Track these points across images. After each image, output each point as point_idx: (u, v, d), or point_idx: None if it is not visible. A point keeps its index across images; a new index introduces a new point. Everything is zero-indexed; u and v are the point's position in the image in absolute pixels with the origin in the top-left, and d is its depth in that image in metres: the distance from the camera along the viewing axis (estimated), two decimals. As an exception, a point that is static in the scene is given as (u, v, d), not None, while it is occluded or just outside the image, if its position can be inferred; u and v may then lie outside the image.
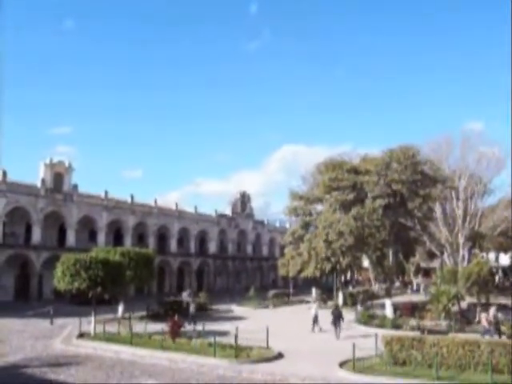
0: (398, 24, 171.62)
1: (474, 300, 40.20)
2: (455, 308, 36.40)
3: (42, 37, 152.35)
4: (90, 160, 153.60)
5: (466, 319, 33.98)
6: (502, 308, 40.55)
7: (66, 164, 57.02)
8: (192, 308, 35.23)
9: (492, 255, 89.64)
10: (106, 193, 61.54)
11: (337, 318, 30.22)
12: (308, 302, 52.74)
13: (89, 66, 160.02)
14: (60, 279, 28.15)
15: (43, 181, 53.90)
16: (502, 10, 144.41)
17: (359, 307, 39.26)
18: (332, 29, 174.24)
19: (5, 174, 50.26)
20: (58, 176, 55.78)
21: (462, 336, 22.64)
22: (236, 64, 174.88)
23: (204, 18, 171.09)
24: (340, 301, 50.91)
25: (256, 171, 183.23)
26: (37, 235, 52.75)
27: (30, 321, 35.70)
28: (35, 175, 54.58)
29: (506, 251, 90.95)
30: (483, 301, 40.11)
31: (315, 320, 32.50)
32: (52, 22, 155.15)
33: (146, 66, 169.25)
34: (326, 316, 37.89)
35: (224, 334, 26.35)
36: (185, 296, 45.57)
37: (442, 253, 57.17)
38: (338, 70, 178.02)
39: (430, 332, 26.65)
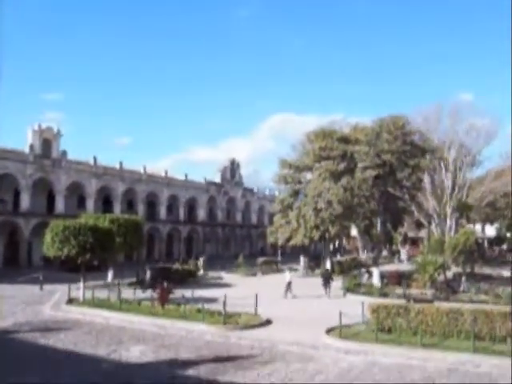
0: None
1: (459, 270, 40.75)
2: (441, 277, 36.93)
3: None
4: (80, 127, 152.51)
5: (451, 288, 34.49)
6: (486, 278, 41.34)
7: (55, 130, 56.55)
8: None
9: (478, 226, 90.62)
10: (95, 159, 61.22)
11: (327, 279, 34.21)
12: (296, 269, 53.23)
13: (80, 35, 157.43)
14: (49, 246, 28.19)
15: (31, 147, 53.49)
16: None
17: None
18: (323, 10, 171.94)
19: (-8, 139, 49.84)
20: (47, 142, 55.36)
21: (446, 304, 23.04)
22: (226, 31, 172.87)
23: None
24: (328, 268, 51.47)
25: (246, 139, 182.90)
26: (25, 202, 52.56)
27: (20, 287, 35.84)
28: (24, 142, 54.13)
29: (491, 222, 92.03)
30: (468, 271, 40.69)
31: (288, 286, 33.13)
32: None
33: (136, 35, 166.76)
34: (314, 283, 38.48)
35: (213, 300, 26.61)
36: (201, 262, 49.51)
37: (430, 223, 57.57)
38: (328, 39, 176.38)
39: (416, 300, 27.03)
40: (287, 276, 34.23)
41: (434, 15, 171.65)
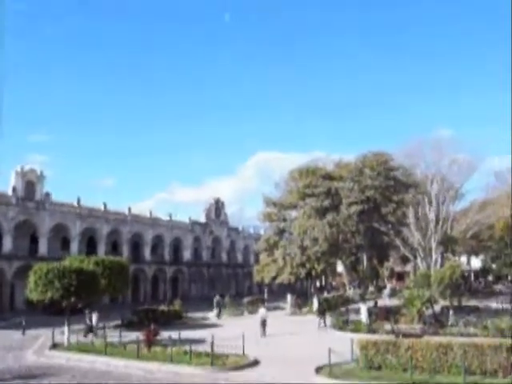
0: (371, 15, 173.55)
1: (447, 303, 40.70)
2: (429, 311, 36.82)
3: (21, 42, 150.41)
4: (63, 169, 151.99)
5: (439, 322, 34.38)
6: (474, 310, 41.27)
7: (38, 172, 56.28)
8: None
9: (464, 258, 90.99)
10: (79, 201, 60.85)
11: (321, 312, 38.04)
12: (283, 308, 52.81)
13: (63, 75, 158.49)
14: (32, 289, 27.76)
15: (14, 189, 53.10)
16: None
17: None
18: (303, 35, 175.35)
19: (-25, 182, 49.48)
20: (30, 184, 55.01)
21: (435, 339, 22.90)
22: (209, 69, 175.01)
23: (179, 18, 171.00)
24: (315, 306, 51.09)
25: (230, 178, 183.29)
26: (8, 244, 51.87)
27: (2, 332, 35.07)
28: (6, 183, 53.77)
29: (477, 254, 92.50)
30: (456, 304, 40.65)
31: (263, 324, 32.77)
32: (33, 28, 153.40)
33: (119, 72, 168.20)
34: (301, 321, 38.27)
35: (200, 341, 26.25)
36: (216, 301, 48.33)
37: (415, 257, 57.69)
38: (311, 78, 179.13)
39: (405, 336, 26.87)
40: (262, 313, 33.91)
41: (411, 50, 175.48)
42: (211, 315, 46.25)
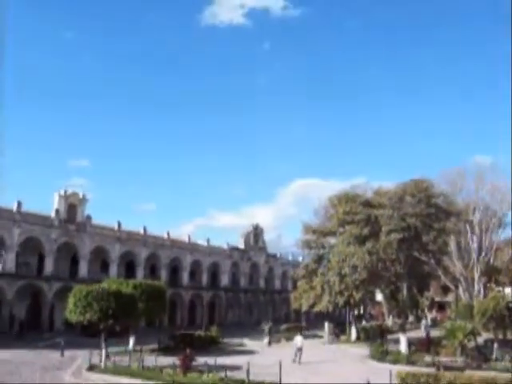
0: (403, 54, 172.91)
1: (490, 336, 39.38)
2: (471, 344, 35.67)
3: (63, 67, 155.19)
4: (105, 193, 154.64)
5: (483, 356, 33.23)
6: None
7: (80, 195, 57.47)
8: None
9: (508, 290, 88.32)
10: (119, 224, 61.72)
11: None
12: (321, 336, 52.04)
13: (109, 99, 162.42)
14: (72, 311, 28.00)
15: (57, 211, 54.25)
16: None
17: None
18: (342, 59, 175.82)
19: (19, 204, 50.75)
20: (72, 207, 56.17)
21: (479, 373, 22.11)
22: (249, 98, 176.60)
23: (217, 50, 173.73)
24: (353, 335, 50.21)
25: (268, 204, 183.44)
26: (49, 266, 52.85)
27: (41, 352, 35.46)
28: (50, 206, 55.01)
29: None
30: (500, 337, 39.29)
31: (299, 351, 32.65)
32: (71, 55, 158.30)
33: (159, 97, 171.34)
34: (340, 350, 37.58)
35: (235, 368, 25.93)
36: (268, 328, 47.78)
37: (457, 287, 56.36)
38: (350, 102, 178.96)
39: (446, 368, 26.07)
40: (298, 341, 33.71)
41: (448, 76, 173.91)
42: (264, 343, 45.66)
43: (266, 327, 48.57)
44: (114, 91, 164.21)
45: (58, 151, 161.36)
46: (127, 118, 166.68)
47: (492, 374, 22.63)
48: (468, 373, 22.83)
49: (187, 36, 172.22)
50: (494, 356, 33.43)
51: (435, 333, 48.46)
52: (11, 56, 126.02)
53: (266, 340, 46.06)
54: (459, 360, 31.92)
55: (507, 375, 21.84)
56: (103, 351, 27.95)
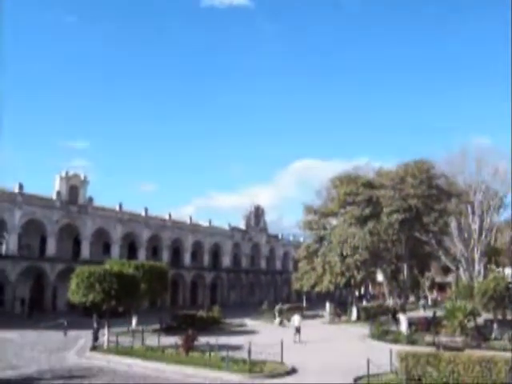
0: (404, 31, 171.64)
1: (490, 316, 39.64)
2: (471, 324, 35.91)
3: (64, 48, 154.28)
4: (106, 174, 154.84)
5: (482, 335, 33.48)
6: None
7: (82, 177, 57.53)
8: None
9: (508, 270, 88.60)
10: (121, 206, 61.85)
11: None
12: (322, 316, 52.45)
13: (109, 81, 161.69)
14: (74, 292, 28.19)
15: (59, 193, 54.35)
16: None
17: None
18: (346, 43, 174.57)
19: (21, 186, 50.83)
20: (74, 189, 56.26)
21: (478, 352, 22.28)
22: (250, 79, 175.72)
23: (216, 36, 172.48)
24: (354, 315, 50.54)
25: (269, 185, 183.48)
26: (51, 247, 53.09)
27: (44, 333, 35.79)
28: (51, 188, 55.07)
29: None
30: (500, 317, 39.53)
31: (298, 331, 33.23)
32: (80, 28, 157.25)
33: (160, 80, 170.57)
34: (341, 329, 37.87)
35: (237, 348, 26.18)
36: (278, 309, 48.20)
37: (458, 268, 56.52)
38: (351, 84, 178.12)
39: (446, 348, 26.26)
40: (296, 320, 34.25)
41: (451, 59, 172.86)
42: (275, 323, 45.76)
43: (277, 307, 48.95)
44: (114, 73, 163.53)
45: (58, 133, 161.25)
46: (127, 99, 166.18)
47: (491, 353, 22.79)
48: (467, 352, 22.97)
49: (187, 17, 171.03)
50: (493, 336, 33.71)
51: (435, 313, 48.84)
52: (11, 39, 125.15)
53: (277, 320, 46.12)
54: (459, 340, 32.15)
55: (506, 354, 22.01)
56: (106, 331, 28.20)
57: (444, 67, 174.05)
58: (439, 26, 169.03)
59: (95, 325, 31.16)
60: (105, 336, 28.28)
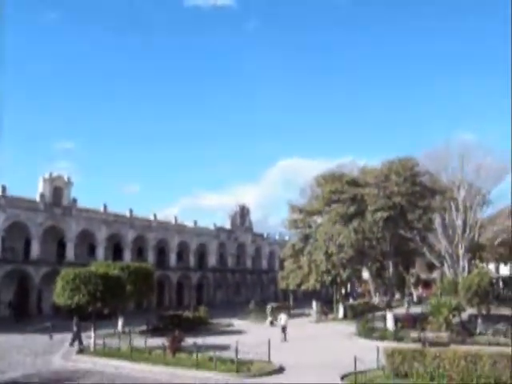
0: (392, 32, 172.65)
1: (474, 311, 40.03)
2: (456, 319, 36.26)
3: (45, 44, 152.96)
4: (90, 175, 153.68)
5: (467, 331, 33.83)
6: (503, 319, 40.48)
7: (65, 178, 57.07)
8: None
9: (492, 266, 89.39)
10: (105, 207, 61.51)
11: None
12: (309, 314, 52.60)
13: (90, 82, 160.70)
14: (59, 294, 28.04)
15: (42, 195, 53.88)
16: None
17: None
18: (328, 41, 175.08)
19: (4, 188, 50.28)
20: (57, 190, 55.78)
21: (463, 348, 22.52)
22: (233, 77, 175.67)
23: (204, 32, 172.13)
24: (340, 313, 50.75)
25: (254, 184, 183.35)
26: (36, 250, 52.61)
27: (30, 336, 35.53)
28: (35, 190, 54.58)
29: (505, 262, 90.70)
30: (484, 312, 39.94)
31: (284, 330, 33.45)
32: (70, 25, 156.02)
33: (147, 78, 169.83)
34: (327, 327, 37.97)
35: (224, 347, 26.22)
36: (270, 309, 48.19)
37: (442, 264, 56.89)
38: (336, 83, 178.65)
39: (432, 344, 26.49)
40: (282, 319, 34.57)
41: (435, 56, 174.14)
42: (266, 324, 45.16)
43: (268, 307, 49.04)
44: (98, 73, 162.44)
45: (42, 134, 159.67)
46: (110, 99, 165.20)
47: (476, 347, 23.05)
48: (453, 347, 23.22)
49: (170, 17, 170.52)
50: (478, 331, 34.06)
51: (418, 310, 49.25)
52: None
53: (268, 320, 45.81)
54: (444, 335, 32.47)
55: (490, 349, 22.28)
56: (92, 334, 28.06)
57: (427, 63, 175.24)
58: (426, 23, 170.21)
59: (74, 328, 31.10)
60: (91, 338, 28.14)
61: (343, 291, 68.77)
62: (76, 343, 29.88)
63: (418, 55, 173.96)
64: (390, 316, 37.29)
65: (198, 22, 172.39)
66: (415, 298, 78.11)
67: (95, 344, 27.67)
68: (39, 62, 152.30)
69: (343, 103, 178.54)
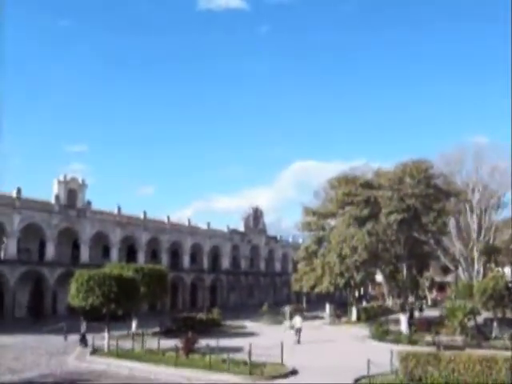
0: (407, 37, 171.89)
1: (490, 315, 39.69)
2: (471, 323, 35.97)
3: (59, 56, 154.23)
4: (104, 177, 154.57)
5: (482, 334, 33.55)
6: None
7: (80, 181, 57.48)
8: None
9: (508, 269, 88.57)
10: (119, 209, 61.81)
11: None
12: (322, 317, 52.44)
13: (106, 84, 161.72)
14: (74, 296, 28.20)
15: (57, 197, 54.29)
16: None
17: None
18: (340, 43, 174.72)
19: (19, 190, 50.75)
20: (72, 192, 56.20)
21: (478, 352, 22.32)
22: (247, 81, 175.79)
23: (213, 34, 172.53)
24: (354, 316, 50.56)
25: (268, 187, 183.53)
26: (50, 251, 53.01)
27: (45, 337, 35.73)
28: (49, 192, 55.03)
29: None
30: (499, 315, 39.60)
31: (298, 332, 33.41)
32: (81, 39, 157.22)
33: (160, 81, 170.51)
34: (341, 330, 37.85)
35: (238, 349, 26.21)
36: (289, 312, 47.30)
37: (457, 267, 56.58)
38: (349, 85, 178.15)
39: (446, 348, 26.30)
40: (297, 322, 34.44)
41: (448, 59, 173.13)
42: (285, 326, 42.44)
43: (287, 309, 48.80)
44: (111, 76, 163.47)
45: (56, 137, 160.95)
46: (125, 101, 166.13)
47: (491, 352, 22.83)
48: (468, 351, 23.02)
49: (183, 20, 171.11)
50: (493, 335, 33.76)
51: (433, 313, 48.85)
52: (6, 42, 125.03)
53: (286, 324, 43.04)
54: (459, 339, 32.21)
55: (506, 353, 22.04)
56: (106, 335, 28.19)
57: (441, 66, 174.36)
58: (436, 24, 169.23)
59: (82, 329, 31.30)
60: (105, 339, 28.27)
61: (357, 294, 68.54)
62: (84, 344, 30.29)
63: (432, 58, 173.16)
64: (403, 319, 37.08)
65: (211, 25, 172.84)
66: (429, 301, 77.63)
67: (109, 345, 27.78)
68: (54, 64, 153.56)
69: (356, 105, 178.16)
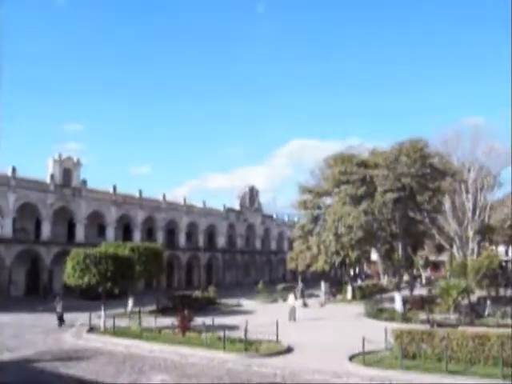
0: (404, 19, 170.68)
1: (483, 293, 40.04)
2: (465, 301, 36.29)
3: (56, 33, 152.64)
4: (99, 156, 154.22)
5: (475, 312, 33.87)
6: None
7: (75, 160, 57.27)
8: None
9: (502, 248, 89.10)
10: (115, 188, 61.70)
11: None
12: (318, 295, 52.80)
13: (100, 65, 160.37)
14: (70, 274, 28.25)
15: (52, 176, 54.13)
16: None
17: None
18: (341, 24, 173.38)
19: (14, 169, 50.57)
20: (67, 172, 56.04)
21: (471, 329, 22.56)
22: (242, 59, 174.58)
23: (211, 12, 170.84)
24: (349, 294, 50.93)
25: (263, 166, 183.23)
26: (46, 231, 53.01)
27: (41, 315, 35.91)
28: (45, 171, 54.84)
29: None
30: (493, 294, 39.97)
31: (293, 310, 33.80)
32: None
33: (156, 61, 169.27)
34: (336, 308, 38.11)
35: (233, 327, 26.39)
36: (300, 290, 47.89)
37: (451, 246, 56.81)
38: (345, 64, 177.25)
39: (440, 325, 26.56)
40: (291, 299, 34.93)
41: (443, 40, 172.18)
42: (297, 305, 40.13)
43: (298, 288, 49.04)
44: (107, 56, 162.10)
45: (51, 116, 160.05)
46: (119, 80, 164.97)
47: (484, 329, 23.09)
48: (461, 329, 23.27)
49: (183, 3, 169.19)
50: (486, 313, 34.08)
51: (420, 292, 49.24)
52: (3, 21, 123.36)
53: (299, 301, 42.55)
54: (453, 317, 32.53)
55: (499, 330, 22.27)
56: (102, 313, 28.32)
57: (437, 47, 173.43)
58: (433, 11, 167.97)
59: (58, 309, 31.20)
60: (101, 318, 28.42)
61: (352, 272, 68.99)
62: (63, 324, 30.50)
63: (428, 40, 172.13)
64: (398, 297, 37.38)
65: (208, 4, 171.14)
66: (424, 280, 78.18)
67: (105, 323, 27.93)
68: (48, 44, 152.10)
69: (353, 86, 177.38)
